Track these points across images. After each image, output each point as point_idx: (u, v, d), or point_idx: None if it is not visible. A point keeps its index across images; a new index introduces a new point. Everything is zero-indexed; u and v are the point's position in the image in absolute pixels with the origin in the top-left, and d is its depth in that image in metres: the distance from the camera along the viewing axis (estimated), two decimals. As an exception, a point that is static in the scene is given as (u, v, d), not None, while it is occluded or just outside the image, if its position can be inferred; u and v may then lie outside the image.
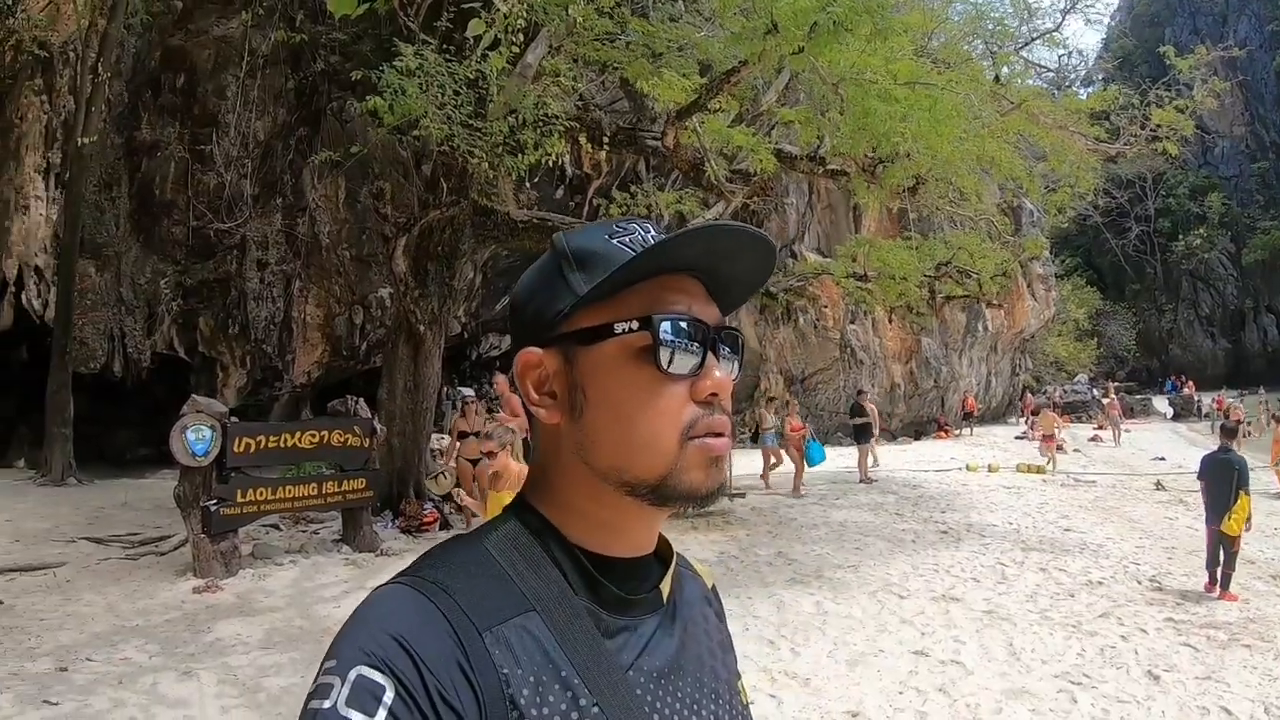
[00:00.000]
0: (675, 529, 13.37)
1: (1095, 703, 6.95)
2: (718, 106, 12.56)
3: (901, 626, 8.82)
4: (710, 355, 1.09)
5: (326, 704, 0.90)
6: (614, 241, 1.10)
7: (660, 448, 1.05)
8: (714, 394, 1.08)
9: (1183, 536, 14.27)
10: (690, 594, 1.26)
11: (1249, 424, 31.91)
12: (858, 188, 14.10)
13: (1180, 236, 75.61)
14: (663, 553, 1.21)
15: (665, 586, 1.16)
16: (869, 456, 20.51)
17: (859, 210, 28.33)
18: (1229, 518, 10.38)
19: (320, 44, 18.42)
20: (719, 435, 1.09)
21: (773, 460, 19.49)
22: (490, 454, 6.81)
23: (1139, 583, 11.22)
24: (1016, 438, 33.46)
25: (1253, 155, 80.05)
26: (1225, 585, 10.47)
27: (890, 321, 30.30)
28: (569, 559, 1.08)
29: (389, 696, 0.90)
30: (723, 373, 1.10)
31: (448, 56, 11.28)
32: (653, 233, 1.13)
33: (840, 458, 23.45)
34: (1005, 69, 16.54)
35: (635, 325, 1.05)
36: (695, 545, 12.38)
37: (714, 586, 1.38)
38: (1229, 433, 11.69)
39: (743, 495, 15.83)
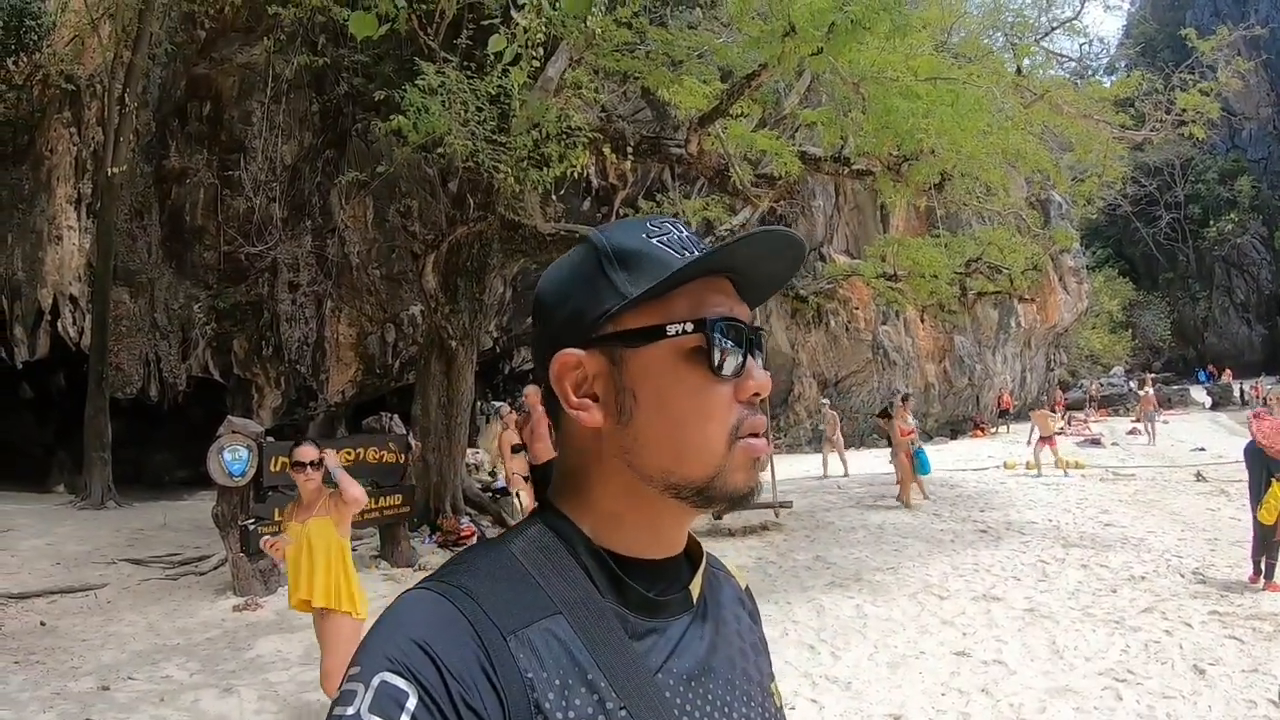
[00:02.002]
0: (712, 539, 13.34)
1: (1140, 699, 6.85)
2: (740, 111, 12.57)
3: (942, 628, 8.74)
4: (750, 356, 1.09)
5: (350, 710, 0.90)
6: (654, 241, 1.10)
7: (711, 449, 1.05)
8: (757, 394, 1.09)
9: (1225, 528, 14.06)
10: (723, 595, 1.26)
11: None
12: (883, 187, 14.02)
13: (1211, 222, 74.34)
14: (692, 553, 1.20)
15: (695, 587, 1.16)
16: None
17: (886, 210, 28.25)
18: (1262, 507, 10.20)
19: (343, 66, 18.55)
20: (758, 436, 1.09)
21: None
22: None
23: (1182, 576, 11.05)
24: (1054, 433, 33.12)
25: None
26: (1270, 575, 10.28)
27: (922, 321, 30.18)
28: (595, 561, 1.07)
29: (412, 703, 0.90)
30: (762, 373, 1.11)
31: (469, 73, 11.37)
32: (685, 232, 1.14)
33: (875, 460, 23.39)
34: (1026, 60, 16.38)
35: (690, 327, 1.05)
36: (733, 551, 12.36)
37: (748, 588, 1.37)
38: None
39: (789, 505, 15.62)
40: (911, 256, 18.69)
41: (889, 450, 20.08)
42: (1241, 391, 45.30)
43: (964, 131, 11.40)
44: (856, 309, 27.93)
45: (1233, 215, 72.92)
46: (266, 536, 6.91)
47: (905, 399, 19.91)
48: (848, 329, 28.77)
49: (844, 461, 22.13)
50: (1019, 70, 15.92)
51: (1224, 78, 18.34)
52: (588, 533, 1.09)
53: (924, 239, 21.31)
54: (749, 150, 13.08)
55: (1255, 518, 10.39)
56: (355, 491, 6.13)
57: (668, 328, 1.05)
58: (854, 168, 13.75)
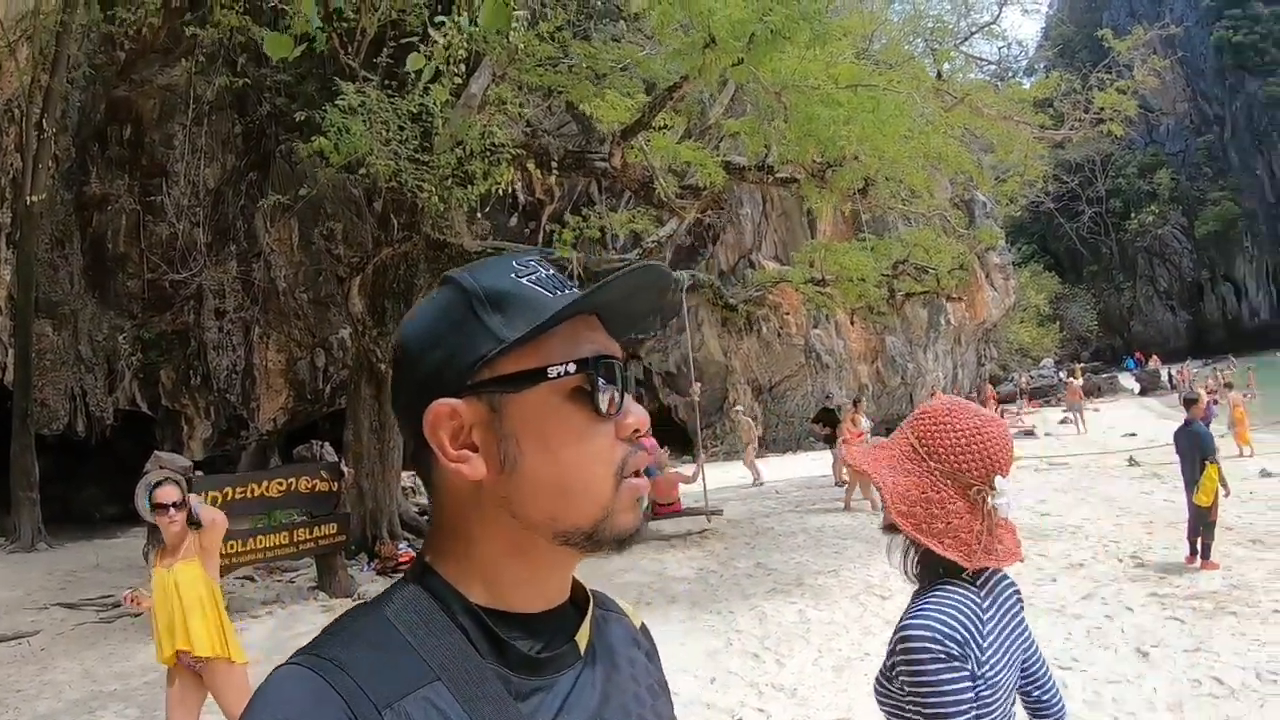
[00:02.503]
0: (652, 549, 13.30)
1: (1086, 686, 6.95)
2: (663, 123, 12.59)
3: (886, 628, 8.55)
4: (625, 392, 1.07)
5: None
6: (525, 281, 1.06)
7: (598, 490, 1.03)
8: (636, 430, 1.07)
9: (1160, 510, 14.29)
10: (615, 638, 1.22)
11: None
12: (809, 193, 14.14)
13: (1133, 215, 77.28)
14: (579, 599, 1.16)
15: (582, 636, 1.12)
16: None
17: (813, 216, 28.43)
18: (1198, 489, 10.46)
19: (265, 87, 18.31)
20: (639, 475, 1.07)
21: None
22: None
23: (1120, 561, 11.25)
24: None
25: (1197, 130, 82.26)
26: (1206, 555, 10.54)
27: (852, 323, 30.46)
28: (473, 622, 1.03)
29: None
30: (639, 408, 1.08)
31: (390, 92, 11.28)
32: (551, 270, 1.11)
33: (813, 463, 23.51)
34: (946, 65, 16.67)
35: (572, 368, 1.02)
36: (674, 563, 12.33)
37: (643, 626, 1.33)
38: (1190, 403, 11.75)
39: (720, 512, 15.54)
40: (839, 261, 18.84)
41: (828, 453, 20.25)
42: (1170, 376, 46.35)
43: (885, 137, 11.55)
44: (787, 314, 28.01)
45: (1153, 207, 75.62)
46: (126, 591, 6.65)
47: (857, 402, 20.03)
48: (779, 335, 28.91)
49: (755, 470, 21.84)
50: (939, 75, 16.18)
51: (1140, 76, 18.80)
52: (465, 591, 1.04)
53: (851, 243, 21.54)
54: (673, 162, 13.11)
55: (1190, 500, 10.63)
56: (208, 514, 5.98)
57: (549, 370, 1.02)
58: (778, 176, 13.87)
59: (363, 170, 11.34)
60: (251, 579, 12.88)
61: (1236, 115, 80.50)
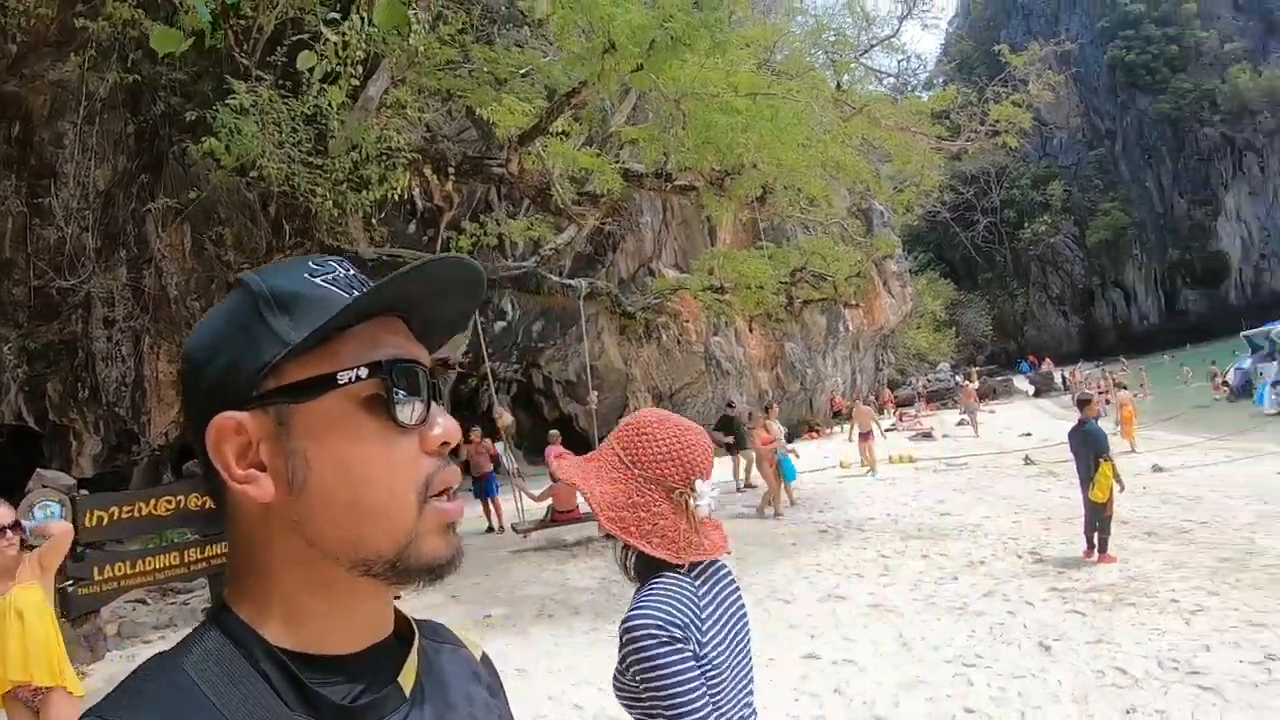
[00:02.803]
0: (554, 559, 13.24)
1: (991, 682, 7.05)
2: (562, 129, 12.55)
3: (790, 632, 8.79)
4: (434, 402, 0.98)
5: None
6: (318, 281, 0.97)
7: (399, 511, 0.93)
8: (445, 444, 0.98)
9: (1057, 507, 14.70)
10: (449, 674, 1.12)
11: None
12: (707, 201, 14.25)
13: (1026, 224, 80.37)
14: (403, 632, 1.06)
15: (407, 677, 1.01)
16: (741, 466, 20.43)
17: (713, 224, 28.59)
18: (1093, 486, 10.82)
19: (160, 85, 17.73)
20: (452, 496, 0.98)
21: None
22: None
23: (1019, 557, 11.52)
24: (885, 431, 34.12)
25: (1089, 143, 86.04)
26: (1103, 549, 10.90)
27: (751, 330, 30.68)
28: (276, 668, 0.91)
29: None
30: (448, 420, 1.00)
31: (285, 93, 10.99)
32: (353, 270, 1.02)
33: (720, 466, 23.62)
34: (846, 76, 16.90)
35: (363, 373, 0.93)
36: (576, 574, 12.18)
37: (484, 657, 1.24)
38: (1084, 403, 12.05)
39: None
40: (737, 269, 18.97)
41: (729, 459, 20.30)
42: (1063, 378, 47.77)
43: (784, 145, 11.67)
44: (687, 322, 28.09)
45: (1046, 217, 78.71)
46: None
47: (769, 409, 20.10)
48: (679, 342, 28.89)
49: None
50: (839, 86, 16.38)
51: (1035, 90, 19.30)
52: (266, 633, 0.93)
53: (749, 251, 21.68)
54: (571, 168, 13.06)
55: (1086, 497, 10.99)
56: (57, 528, 5.78)
57: (338, 375, 0.92)
58: (677, 184, 13.93)
59: (254, 173, 11.04)
60: (144, 602, 12.43)
61: (1128, 130, 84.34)
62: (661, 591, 2.04)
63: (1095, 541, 10.99)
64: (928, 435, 32.08)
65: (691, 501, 2.10)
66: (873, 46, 19.13)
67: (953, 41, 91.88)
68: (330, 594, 0.95)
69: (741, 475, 20.09)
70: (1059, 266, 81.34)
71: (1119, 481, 11.11)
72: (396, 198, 12.32)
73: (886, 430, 33.73)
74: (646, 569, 2.13)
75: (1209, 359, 44.40)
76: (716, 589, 2.17)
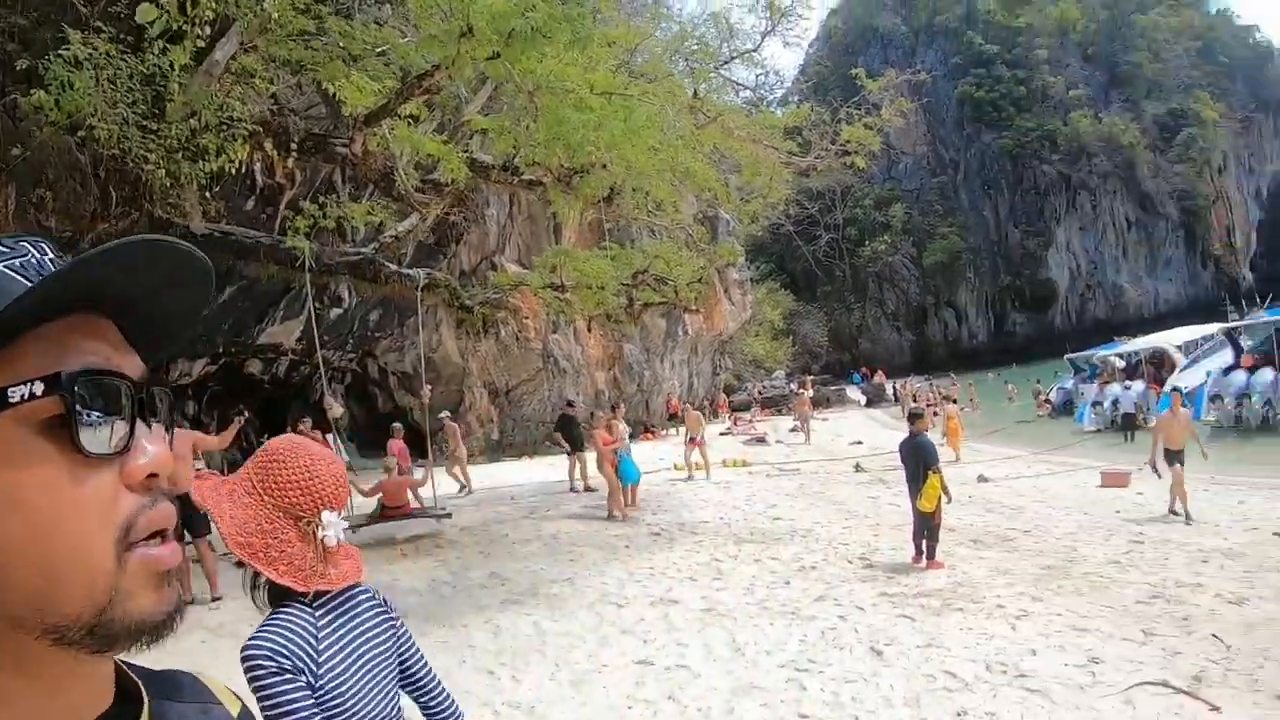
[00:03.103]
0: (383, 557, 12.77)
1: (824, 687, 7.07)
2: (411, 112, 12.19)
3: (623, 637, 8.65)
4: (140, 422, 0.78)
5: None
6: (1, 267, 0.76)
7: (91, 562, 0.73)
8: (154, 475, 0.78)
9: (886, 514, 15.09)
10: None
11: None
12: (554, 198, 14.07)
13: (867, 242, 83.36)
14: (130, 693, 0.87)
15: None
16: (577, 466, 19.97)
17: (559, 221, 28.38)
18: (921, 495, 11.11)
19: (-3, 29, 16.51)
20: (164, 540, 0.78)
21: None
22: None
23: (850, 562, 11.71)
24: (720, 434, 34.52)
25: (933, 170, 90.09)
26: (931, 556, 11.20)
27: (590, 330, 30.59)
28: None
29: None
30: (158, 447, 0.79)
31: (123, 48, 10.25)
32: (49, 254, 0.80)
33: (549, 468, 23.40)
34: (704, 85, 16.87)
35: (38, 388, 0.72)
36: (405, 574, 11.75)
37: (244, 711, 1.04)
38: (915, 417, 12.31)
39: (449, 515, 14.97)
40: (580, 268, 18.83)
41: (565, 459, 20.12)
42: (894, 390, 49.25)
43: (635, 147, 11.56)
44: (526, 319, 27.70)
45: (886, 237, 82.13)
46: None
47: (615, 407, 19.86)
48: (518, 338, 28.53)
49: (464, 479, 20.24)
50: (695, 94, 16.36)
51: (887, 115, 19.62)
52: None
53: (593, 251, 21.55)
54: (418, 154, 12.68)
55: (915, 505, 11.26)
56: None
57: (9, 392, 0.72)
58: (524, 178, 13.70)
59: (82, 132, 10.28)
60: None
61: (970, 161, 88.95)
62: (279, 622, 2.08)
63: (924, 548, 11.27)
64: (761, 440, 32.57)
65: (319, 531, 2.13)
66: (733, 59, 19.10)
67: (811, 63, 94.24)
68: (22, 672, 0.75)
69: (579, 477, 19.68)
70: (896, 284, 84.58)
71: (946, 492, 11.38)
72: (235, 171, 11.63)
73: (721, 434, 34.25)
74: (275, 596, 2.16)
75: (1034, 378, 46.69)
76: (344, 618, 2.22)
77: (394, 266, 15.59)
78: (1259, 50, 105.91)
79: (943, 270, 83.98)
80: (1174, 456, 14.37)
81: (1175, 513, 14.20)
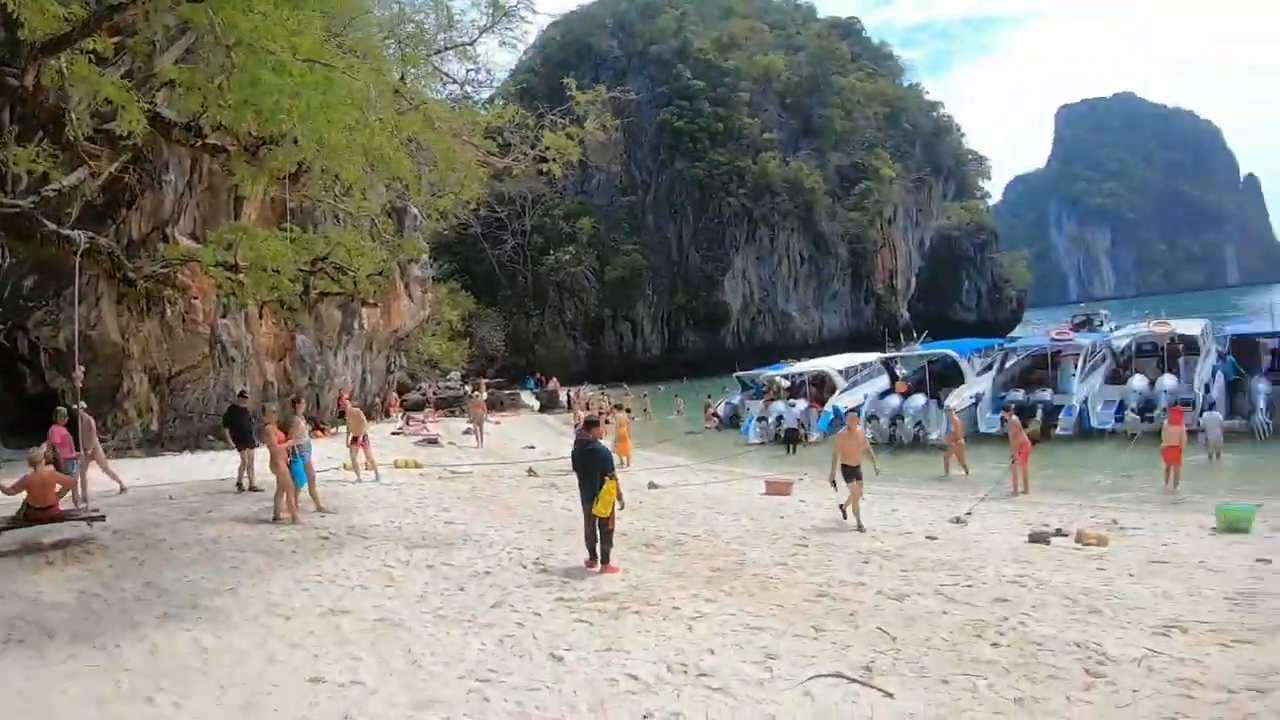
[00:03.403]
0: (26, 568, 11.12)
1: (507, 697, 6.85)
2: (96, 48, 10.88)
3: (292, 652, 7.97)
4: None
5: None
6: None
7: None
8: None
9: (559, 518, 15.17)
10: None
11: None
12: (237, 168, 13.02)
13: (552, 251, 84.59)
14: None
15: None
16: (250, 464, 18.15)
17: (241, 196, 26.66)
18: (598, 501, 11.16)
19: None
20: None
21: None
22: None
23: (525, 567, 11.61)
24: (393, 433, 33.81)
25: (624, 190, 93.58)
26: (606, 560, 11.31)
27: (263, 317, 28.98)
28: None
29: None
30: None
31: None
32: None
33: (212, 463, 21.92)
34: (413, 70, 16.21)
35: None
36: (50, 587, 10.22)
37: None
38: (591, 424, 12.45)
39: (102, 518, 13.18)
40: (257, 248, 17.69)
41: (235, 455, 18.58)
42: (568, 397, 49.86)
43: (330, 123, 10.87)
44: (195, 299, 25.89)
45: (572, 248, 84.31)
46: None
47: (296, 401, 18.48)
48: (185, 320, 26.34)
49: (112, 476, 17.64)
50: (403, 77, 15.72)
51: (591, 128, 19.70)
52: None
53: (273, 231, 20.30)
54: (96, 99, 11.32)
55: (589, 510, 11.34)
56: None
57: None
58: (208, 142, 12.61)
59: None
60: None
61: (661, 186, 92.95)
62: None
63: (598, 553, 11.36)
64: (434, 442, 32.20)
65: None
66: (448, 49, 18.53)
67: (523, 69, 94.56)
68: None
69: (246, 476, 18.11)
70: (576, 295, 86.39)
71: (620, 498, 11.54)
72: None
73: (394, 433, 33.53)
74: None
75: (704, 393, 48.88)
76: None
77: (53, 225, 13.84)
78: (939, 124, 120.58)
79: (623, 285, 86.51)
80: (851, 473, 15.46)
81: (853, 524, 15.26)
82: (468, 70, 18.75)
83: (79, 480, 12.83)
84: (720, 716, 6.56)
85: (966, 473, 23.16)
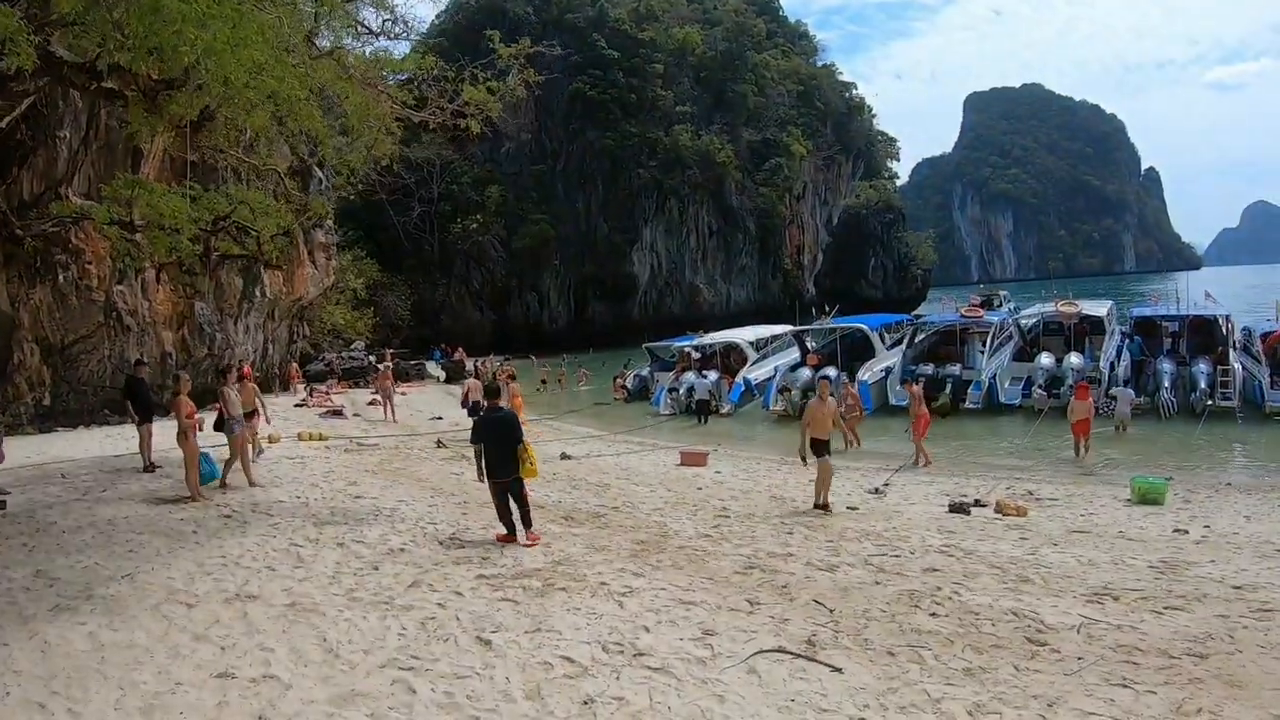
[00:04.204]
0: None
1: (435, 686, 6.39)
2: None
3: (197, 645, 7.22)
4: None
5: None
6: None
7: None
8: None
9: (472, 491, 14.46)
10: None
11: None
12: (134, 115, 12.01)
13: (459, 220, 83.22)
14: None
15: None
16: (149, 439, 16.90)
17: (139, 155, 25.34)
18: (524, 465, 11.00)
19: None
20: None
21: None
22: None
23: (441, 543, 11.09)
24: (296, 405, 32.91)
25: (534, 159, 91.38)
26: (529, 525, 11.18)
27: (159, 281, 27.71)
28: None
29: None
30: None
31: None
32: None
33: (107, 439, 20.78)
34: (327, 14, 15.17)
35: None
36: None
37: None
38: (494, 393, 12.34)
39: (5, 497, 12.30)
40: (155, 204, 16.75)
41: (132, 430, 17.41)
42: (475, 367, 49.21)
43: (238, 61, 10.05)
44: (89, 264, 24.63)
45: (479, 217, 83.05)
46: None
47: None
48: (79, 287, 24.99)
49: None
50: (316, 17, 14.80)
51: (513, 83, 19.00)
52: None
53: (172, 188, 19.19)
54: None
55: (504, 481, 11.12)
56: None
57: None
58: (105, 85, 11.62)
59: None
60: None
61: (572, 155, 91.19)
62: None
63: (521, 520, 11.22)
64: (338, 413, 31.49)
65: None
66: None
67: (434, 32, 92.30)
68: None
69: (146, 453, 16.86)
70: (483, 264, 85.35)
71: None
72: None
73: (297, 405, 32.59)
74: None
75: (608, 363, 49.99)
76: None
77: None
78: (850, 104, 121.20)
79: (530, 255, 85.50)
80: (822, 448, 14.35)
81: (820, 506, 14.31)
82: (383, 21, 17.70)
83: None
84: (666, 699, 6.21)
85: (858, 444, 22.96)
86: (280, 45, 11.37)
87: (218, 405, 15.34)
